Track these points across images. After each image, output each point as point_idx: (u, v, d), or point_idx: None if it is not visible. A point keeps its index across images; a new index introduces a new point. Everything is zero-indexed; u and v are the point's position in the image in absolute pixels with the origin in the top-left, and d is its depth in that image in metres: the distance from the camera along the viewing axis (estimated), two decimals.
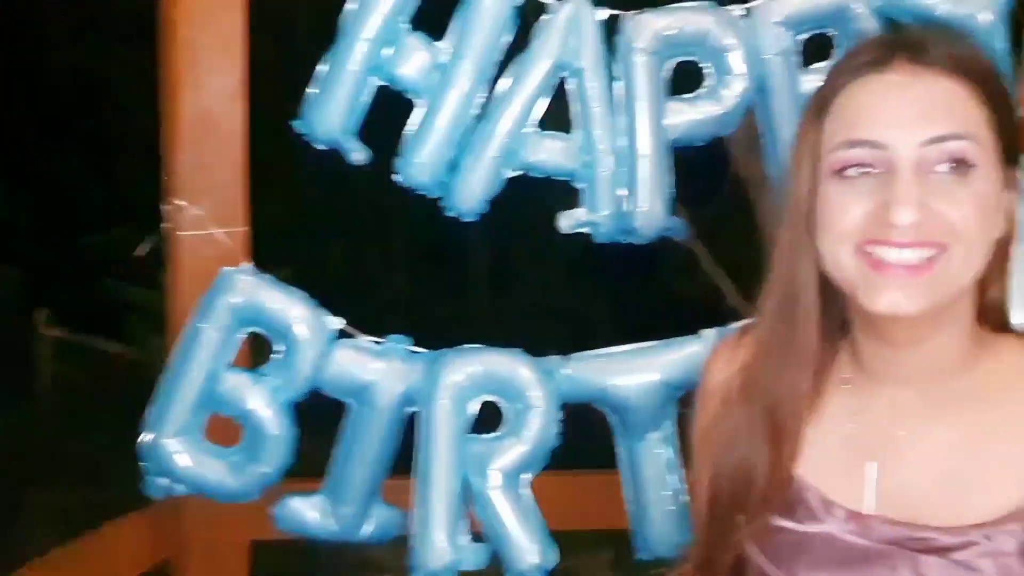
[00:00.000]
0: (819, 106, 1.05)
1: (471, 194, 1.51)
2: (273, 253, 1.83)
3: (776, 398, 1.09)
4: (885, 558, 1.03)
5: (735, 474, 1.11)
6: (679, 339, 1.54)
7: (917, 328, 1.02)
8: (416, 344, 1.56)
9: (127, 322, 5.77)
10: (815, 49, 1.53)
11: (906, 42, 1.03)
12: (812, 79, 1.49)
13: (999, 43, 1.45)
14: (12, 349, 7.29)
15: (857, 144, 0.99)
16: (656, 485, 1.53)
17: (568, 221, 1.53)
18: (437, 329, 1.82)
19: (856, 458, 1.08)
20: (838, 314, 1.09)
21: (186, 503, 1.60)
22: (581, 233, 1.54)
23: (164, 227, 1.61)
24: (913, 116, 0.98)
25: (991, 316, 1.07)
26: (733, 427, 1.12)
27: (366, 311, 1.75)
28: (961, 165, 0.97)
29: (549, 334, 1.62)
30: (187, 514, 1.62)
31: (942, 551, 1.01)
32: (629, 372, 1.52)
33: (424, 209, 1.57)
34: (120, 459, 1.77)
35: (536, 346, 1.58)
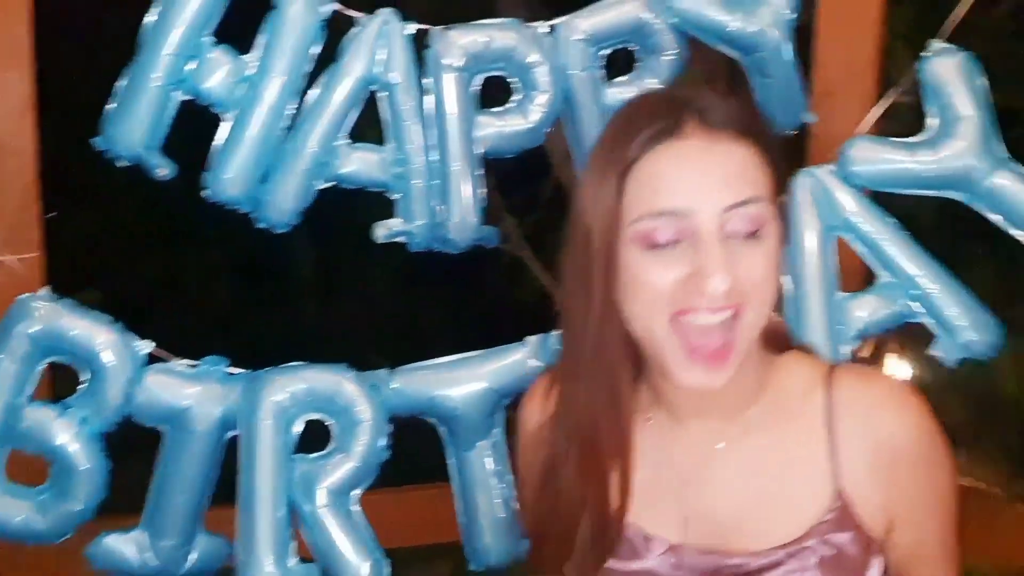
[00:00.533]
0: (616, 172, 1.03)
1: (282, 207, 1.49)
2: (78, 277, 1.74)
3: (595, 440, 1.11)
4: None
5: (559, 518, 1.13)
6: (505, 347, 1.56)
7: None
8: (239, 364, 1.52)
9: None
10: (620, 62, 1.59)
11: (692, 104, 1.04)
12: (617, 91, 1.56)
13: (786, 57, 1.55)
14: None
15: (662, 214, 1.00)
16: (486, 493, 1.54)
17: (383, 231, 1.54)
18: (260, 346, 1.77)
19: (668, 492, 1.12)
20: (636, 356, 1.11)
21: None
22: (401, 243, 1.55)
23: None
24: (714, 183, 1.00)
25: (772, 338, 1.13)
26: (553, 471, 1.14)
27: (183, 332, 1.68)
28: (757, 229, 1.01)
29: (377, 346, 1.61)
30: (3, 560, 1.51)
31: (753, 574, 1.07)
32: (456, 382, 1.53)
33: (239, 224, 1.54)
34: None
35: (364, 359, 1.57)
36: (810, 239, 1.54)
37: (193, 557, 1.51)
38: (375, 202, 1.56)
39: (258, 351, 1.60)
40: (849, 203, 1.55)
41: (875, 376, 1.17)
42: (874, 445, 1.07)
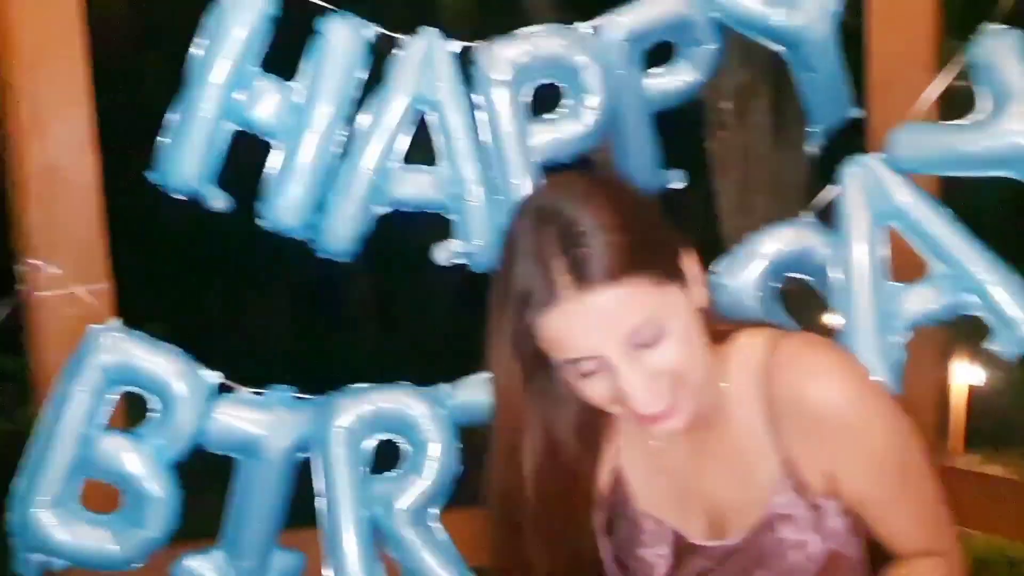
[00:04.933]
0: (518, 335, 1.12)
1: (341, 234, 1.50)
2: (142, 309, 1.77)
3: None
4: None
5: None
6: None
7: None
8: (305, 390, 1.54)
9: None
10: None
11: (564, 262, 1.07)
12: (656, 82, 1.56)
13: (832, 52, 1.53)
14: None
15: (573, 361, 1.09)
16: None
17: (444, 253, 1.53)
18: (324, 372, 1.79)
19: (672, 491, 1.22)
20: None
21: None
22: (460, 264, 1.54)
23: (21, 289, 1.54)
24: (604, 327, 1.06)
25: (714, 332, 1.18)
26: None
27: (247, 361, 1.71)
28: (659, 332, 1.08)
29: (439, 367, 1.62)
30: None
31: (732, 555, 1.18)
32: None
33: (298, 251, 1.56)
34: None
35: (427, 381, 1.57)
36: (859, 229, 1.52)
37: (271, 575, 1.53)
38: (435, 224, 1.56)
39: (321, 377, 1.62)
40: (900, 191, 1.52)
41: (811, 342, 1.20)
42: (802, 409, 1.13)
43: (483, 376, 1.53)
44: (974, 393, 3.71)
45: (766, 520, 1.16)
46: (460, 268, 1.55)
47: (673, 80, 1.58)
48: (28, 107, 1.50)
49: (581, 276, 1.06)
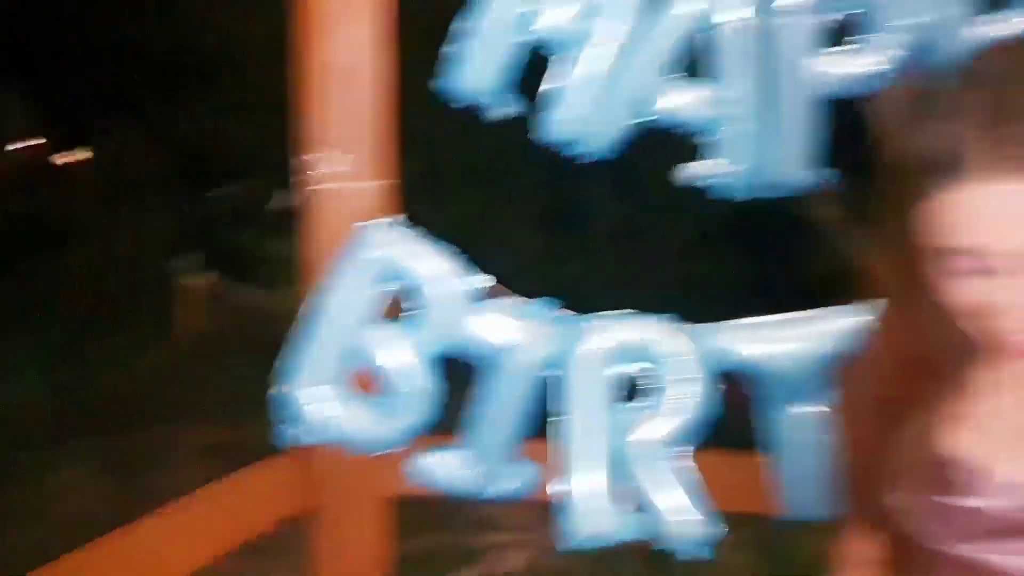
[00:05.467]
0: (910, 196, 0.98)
1: (603, 141, 1.47)
2: (414, 209, 1.83)
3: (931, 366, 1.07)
4: None
5: (882, 446, 1.10)
6: (830, 309, 1.48)
7: None
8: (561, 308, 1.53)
9: (262, 272, 5.95)
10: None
11: (990, 136, 0.92)
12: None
13: None
14: (156, 294, 7.65)
15: (952, 252, 0.96)
16: (802, 457, 1.47)
17: (702, 173, 1.48)
18: (579, 294, 1.79)
19: (1004, 434, 1.06)
20: None
21: (324, 453, 1.61)
22: (721, 193, 1.49)
23: (302, 179, 1.62)
24: (1008, 223, 0.93)
25: None
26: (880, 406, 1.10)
27: (496, 269, 1.73)
28: None
29: (683, 300, 1.57)
30: (325, 464, 1.64)
31: None
32: (778, 341, 1.48)
33: (557, 166, 1.54)
34: (255, 405, 1.82)
35: (689, 315, 1.53)
36: None
37: (506, 483, 1.56)
38: (685, 147, 1.50)
39: (576, 298, 1.62)
40: None
41: None
42: None
43: (750, 321, 1.49)
44: None
45: None
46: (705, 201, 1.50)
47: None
48: (320, 3, 1.55)
49: (1006, 157, 0.92)
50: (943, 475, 1.07)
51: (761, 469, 1.51)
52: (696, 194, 1.52)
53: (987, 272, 0.95)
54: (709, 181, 1.48)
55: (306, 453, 1.61)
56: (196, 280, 7.64)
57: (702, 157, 1.48)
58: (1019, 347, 0.97)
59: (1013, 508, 1.03)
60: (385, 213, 1.56)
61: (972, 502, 1.06)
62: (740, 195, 1.49)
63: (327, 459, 1.62)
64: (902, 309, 1.09)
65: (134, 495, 4.15)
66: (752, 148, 1.44)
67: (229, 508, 1.63)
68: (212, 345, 6.98)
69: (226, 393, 5.50)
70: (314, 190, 1.59)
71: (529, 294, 1.57)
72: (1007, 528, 1.03)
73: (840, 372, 1.22)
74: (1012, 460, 1.06)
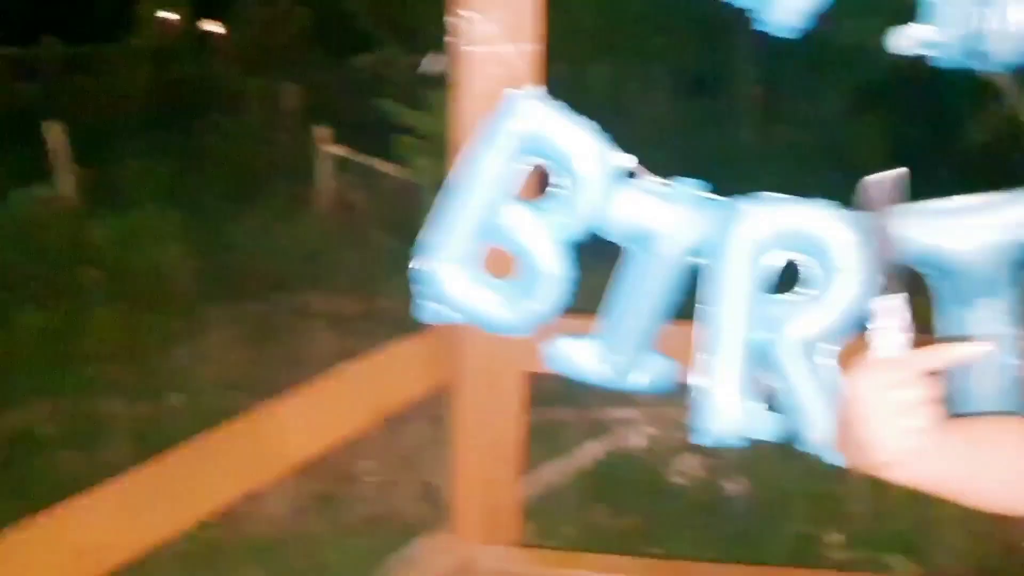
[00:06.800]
0: None
1: (791, 8, 1.31)
2: (559, 79, 1.70)
3: None
4: None
5: None
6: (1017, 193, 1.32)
7: None
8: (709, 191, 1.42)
9: (400, 143, 5.92)
10: None
11: None
12: None
13: None
14: (296, 164, 7.77)
15: None
16: (986, 358, 1.32)
17: (906, 40, 1.31)
18: (730, 176, 1.65)
19: None
20: None
21: (464, 330, 1.57)
22: (878, 64, 1.32)
23: (447, 42, 1.52)
24: None
25: None
26: None
27: (627, 142, 1.61)
28: None
29: (817, 177, 1.41)
30: (465, 341, 1.60)
31: None
32: (961, 230, 1.32)
33: (687, 37, 1.38)
34: (392, 277, 1.77)
35: (797, 190, 1.40)
36: None
37: (641, 374, 1.48)
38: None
39: (727, 180, 1.48)
40: None
41: None
42: None
43: (914, 206, 1.32)
44: None
45: None
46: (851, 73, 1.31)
47: None
48: None
49: None
50: None
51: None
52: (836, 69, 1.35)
53: None
54: (916, 50, 1.31)
55: (447, 328, 1.57)
56: (336, 150, 7.69)
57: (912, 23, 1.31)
58: None
59: None
60: (531, 80, 1.45)
61: None
62: (945, 65, 1.32)
63: (467, 334, 1.58)
64: None
65: (277, 361, 4.26)
66: (962, 13, 1.27)
67: (375, 381, 1.62)
68: (351, 217, 7.07)
69: (364, 265, 5.58)
70: (462, 53, 1.48)
71: (671, 169, 1.45)
72: None
73: None
74: None
